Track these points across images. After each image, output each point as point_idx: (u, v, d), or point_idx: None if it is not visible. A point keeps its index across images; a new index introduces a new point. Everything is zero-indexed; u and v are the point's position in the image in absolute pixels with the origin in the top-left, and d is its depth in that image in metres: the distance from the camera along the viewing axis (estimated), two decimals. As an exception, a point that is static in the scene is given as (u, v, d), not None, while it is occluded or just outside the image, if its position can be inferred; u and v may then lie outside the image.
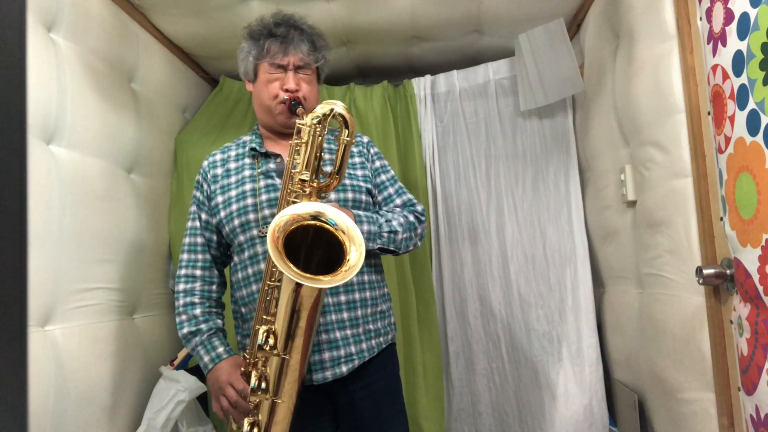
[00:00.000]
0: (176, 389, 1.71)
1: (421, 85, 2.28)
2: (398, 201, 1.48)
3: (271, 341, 1.14)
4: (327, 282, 1.09)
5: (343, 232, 1.16)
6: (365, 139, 1.55)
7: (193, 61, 2.29)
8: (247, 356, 1.25)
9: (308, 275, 1.09)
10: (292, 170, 1.26)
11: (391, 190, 1.50)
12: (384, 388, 1.40)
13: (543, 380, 2.07)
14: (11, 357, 0.40)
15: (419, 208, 1.48)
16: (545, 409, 2.06)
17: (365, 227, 1.32)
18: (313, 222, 1.16)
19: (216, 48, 2.17)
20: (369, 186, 1.45)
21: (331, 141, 1.49)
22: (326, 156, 1.43)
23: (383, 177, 1.51)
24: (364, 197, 1.42)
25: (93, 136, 1.60)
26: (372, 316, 1.39)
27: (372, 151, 1.53)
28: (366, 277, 1.40)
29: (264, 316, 1.19)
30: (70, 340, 1.42)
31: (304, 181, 1.24)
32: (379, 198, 1.49)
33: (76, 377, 1.43)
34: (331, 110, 1.24)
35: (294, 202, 1.22)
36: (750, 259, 1.03)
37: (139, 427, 1.66)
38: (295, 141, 1.27)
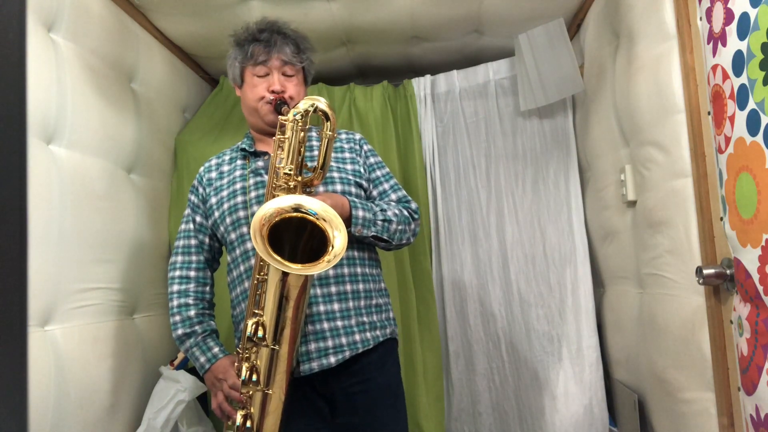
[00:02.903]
0: (176, 389, 1.71)
1: (421, 85, 2.28)
2: (393, 197, 1.50)
3: (260, 333, 1.17)
4: (311, 269, 1.12)
5: (324, 220, 1.18)
6: (357, 136, 1.57)
7: (193, 61, 2.29)
8: (240, 350, 1.26)
9: (291, 264, 1.12)
10: (277, 166, 1.28)
11: (386, 185, 1.51)
12: (382, 387, 1.39)
13: (543, 380, 2.07)
14: (11, 357, 0.40)
15: (413, 205, 1.49)
16: (545, 409, 2.06)
17: (360, 213, 1.34)
18: (295, 214, 1.19)
19: (216, 48, 2.17)
20: (359, 180, 1.46)
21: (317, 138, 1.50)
22: (315, 152, 1.45)
23: (378, 173, 1.52)
24: (353, 189, 1.43)
25: (93, 136, 1.60)
26: (366, 309, 1.39)
27: (365, 147, 1.55)
28: (359, 270, 1.40)
29: (254, 310, 1.22)
30: (70, 340, 1.42)
31: (288, 175, 1.26)
32: (375, 193, 1.50)
33: (76, 377, 1.43)
34: (313, 105, 1.26)
35: (278, 197, 1.25)
36: (750, 259, 1.03)
37: (139, 427, 1.66)
38: (279, 137, 1.29)
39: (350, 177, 1.45)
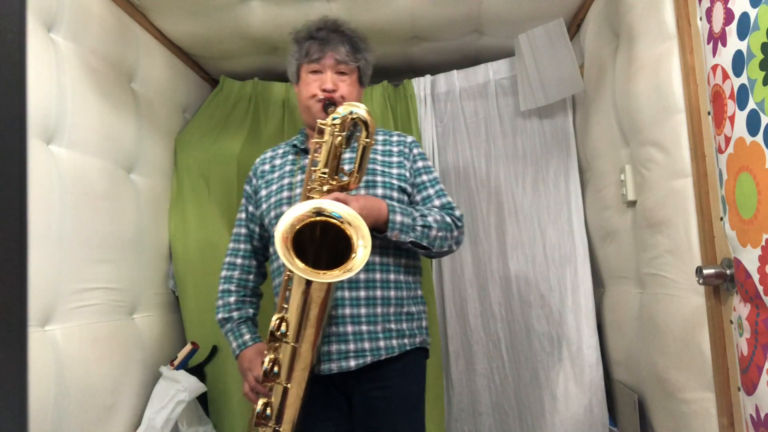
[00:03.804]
0: (176, 389, 1.72)
1: (421, 85, 2.28)
2: (437, 202, 1.46)
3: (283, 328, 1.20)
4: (331, 277, 1.14)
5: (350, 224, 1.19)
6: (409, 138, 1.55)
7: (193, 61, 2.29)
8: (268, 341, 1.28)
9: (314, 271, 1.14)
10: (313, 168, 1.30)
11: (431, 191, 1.48)
12: (403, 396, 1.37)
13: (543, 380, 2.07)
14: (11, 357, 0.40)
15: (458, 212, 1.46)
16: (545, 409, 2.06)
17: (398, 218, 1.32)
18: (317, 218, 1.20)
19: (216, 48, 2.17)
20: (403, 185, 1.45)
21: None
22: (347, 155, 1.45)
23: (424, 177, 1.50)
24: (395, 194, 1.42)
25: (93, 136, 1.60)
26: (396, 316, 1.37)
27: (415, 151, 1.52)
28: (392, 276, 1.38)
29: (283, 305, 1.24)
30: (70, 340, 1.42)
31: (323, 178, 1.28)
32: (418, 198, 1.48)
33: (76, 377, 1.43)
34: (351, 112, 1.27)
35: (312, 199, 1.27)
36: (750, 259, 1.03)
37: (139, 427, 1.67)
38: (317, 139, 1.30)
39: (394, 182, 1.43)
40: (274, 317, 1.21)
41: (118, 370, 1.62)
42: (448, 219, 1.41)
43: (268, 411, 1.25)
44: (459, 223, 1.44)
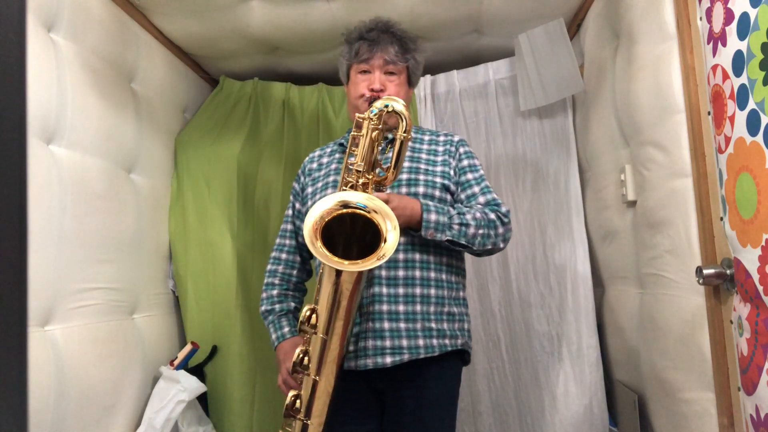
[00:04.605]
0: (176, 389, 1.72)
1: (421, 85, 2.28)
2: (482, 199, 1.44)
3: (312, 320, 1.21)
4: (358, 266, 1.14)
5: (376, 212, 1.19)
6: (456, 137, 1.54)
7: (193, 61, 2.29)
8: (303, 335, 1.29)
9: (340, 260, 1.14)
10: (350, 162, 1.30)
11: (476, 188, 1.46)
12: (436, 398, 1.35)
13: (543, 380, 2.07)
14: (11, 357, 0.40)
15: (503, 209, 1.43)
16: (545, 409, 2.06)
17: (432, 216, 1.31)
18: (344, 210, 1.20)
19: (216, 48, 2.17)
20: (447, 183, 1.43)
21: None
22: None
23: (469, 175, 1.49)
24: (437, 193, 1.40)
25: (93, 136, 1.60)
26: (436, 315, 1.35)
27: (461, 149, 1.52)
28: (433, 274, 1.36)
29: (317, 297, 1.24)
30: (70, 340, 1.42)
31: (359, 172, 1.27)
32: (463, 196, 1.46)
33: (76, 377, 1.43)
34: (387, 105, 1.26)
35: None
36: (750, 259, 1.03)
37: (139, 427, 1.67)
38: (355, 133, 1.30)
39: (437, 180, 1.42)
40: (305, 308, 1.21)
41: (118, 370, 1.63)
42: (492, 216, 1.39)
43: (298, 404, 1.25)
44: (505, 219, 1.42)
